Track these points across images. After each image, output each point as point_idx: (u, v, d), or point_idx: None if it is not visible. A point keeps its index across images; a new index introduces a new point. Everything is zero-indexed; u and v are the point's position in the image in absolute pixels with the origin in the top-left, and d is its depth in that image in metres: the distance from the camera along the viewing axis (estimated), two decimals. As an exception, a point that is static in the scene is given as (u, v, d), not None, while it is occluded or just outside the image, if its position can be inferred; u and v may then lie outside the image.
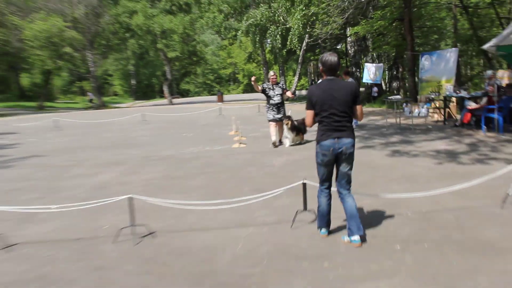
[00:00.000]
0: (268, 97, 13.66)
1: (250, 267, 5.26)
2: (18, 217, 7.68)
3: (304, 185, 6.63)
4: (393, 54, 34.39)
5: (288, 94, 13.77)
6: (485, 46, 14.78)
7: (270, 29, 30.01)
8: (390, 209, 7.14)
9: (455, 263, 5.17)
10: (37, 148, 16.52)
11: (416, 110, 20.94)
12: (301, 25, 26.03)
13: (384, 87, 36.18)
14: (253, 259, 5.50)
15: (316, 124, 5.79)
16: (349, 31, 32.27)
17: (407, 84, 26.84)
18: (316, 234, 6.21)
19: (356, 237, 5.75)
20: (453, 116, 18.50)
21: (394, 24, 27.57)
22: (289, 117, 13.75)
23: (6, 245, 6.33)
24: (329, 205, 6.03)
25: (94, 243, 6.40)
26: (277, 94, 13.56)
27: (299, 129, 14.08)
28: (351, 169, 5.81)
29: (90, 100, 50.74)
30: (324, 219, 6.07)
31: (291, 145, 13.88)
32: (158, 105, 45.60)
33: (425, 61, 23.45)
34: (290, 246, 5.82)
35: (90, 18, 43.51)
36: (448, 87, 18.87)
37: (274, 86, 13.57)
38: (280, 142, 14.19)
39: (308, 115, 5.77)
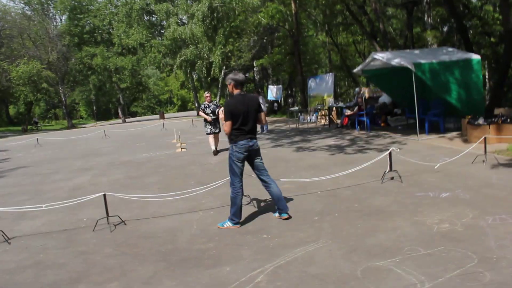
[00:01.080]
0: (206, 114, 12.20)
1: (205, 243, 4.85)
2: (13, 215, 6.86)
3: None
4: (286, 78, 34.65)
5: (220, 112, 12.36)
6: (355, 70, 15.10)
7: (198, 63, 29.53)
8: (305, 190, 6.94)
9: (360, 225, 5.01)
10: (23, 161, 15.23)
11: (308, 118, 21.11)
12: (220, 60, 25.84)
13: (281, 103, 36.52)
14: (206, 237, 5.09)
15: None
16: (255, 62, 32.27)
17: (299, 99, 27.04)
18: (255, 213, 5.88)
19: (285, 214, 5.47)
20: (334, 121, 18.74)
21: (288, 57, 27.83)
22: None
23: (5, 239, 5.59)
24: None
25: (77, 233, 5.75)
26: (212, 111, 12.19)
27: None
28: (262, 160, 5.60)
29: (36, 123, 48.13)
30: (277, 200, 5.52)
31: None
32: (115, 124, 43.84)
33: (311, 83, 23.84)
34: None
35: (61, 61, 42.95)
36: (330, 100, 19.18)
37: (209, 104, 12.26)
38: (217, 150, 12.43)
39: (228, 125, 5.22)
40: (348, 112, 16.17)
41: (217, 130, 12.18)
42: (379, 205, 5.79)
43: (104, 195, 5.74)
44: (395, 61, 11.82)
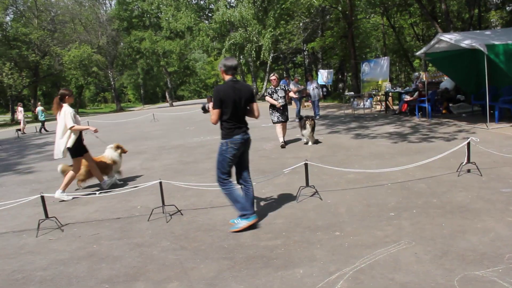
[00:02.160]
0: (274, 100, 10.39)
1: (271, 240, 4.45)
2: (66, 201, 6.76)
3: (306, 165, 5.82)
4: (336, 64, 33.60)
5: (291, 94, 11.15)
6: (417, 53, 14.15)
7: (247, 47, 29.10)
8: (373, 181, 6.39)
9: (444, 224, 4.45)
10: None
11: (362, 103, 20.27)
12: (270, 43, 25.31)
13: (329, 88, 35.56)
14: (272, 232, 4.68)
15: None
16: (305, 46, 31.44)
17: (351, 84, 26.13)
18: (320, 206, 5.42)
19: (254, 216, 4.86)
20: (391, 107, 17.85)
21: (340, 40, 26.88)
22: (312, 117, 10.56)
23: (58, 226, 5.42)
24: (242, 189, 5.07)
25: (131, 222, 5.50)
26: (280, 97, 10.32)
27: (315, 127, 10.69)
28: (248, 157, 5.08)
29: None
30: (249, 202, 4.94)
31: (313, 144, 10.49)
32: (162, 107, 44.32)
33: (365, 67, 22.86)
34: (301, 218, 5.02)
35: (111, 45, 43.98)
36: (387, 85, 18.26)
37: (276, 89, 10.38)
38: (285, 142, 10.69)
39: (215, 113, 4.71)
40: (407, 97, 15.27)
41: (285, 119, 10.54)
42: (461, 201, 5.18)
43: (160, 182, 5.44)
44: (465, 43, 10.89)
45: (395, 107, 17.62)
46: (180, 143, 12.80)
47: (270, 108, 10.46)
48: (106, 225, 5.45)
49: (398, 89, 17.45)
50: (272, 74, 10.68)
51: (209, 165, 8.86)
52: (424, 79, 17.33)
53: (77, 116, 7.10)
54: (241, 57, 35.33)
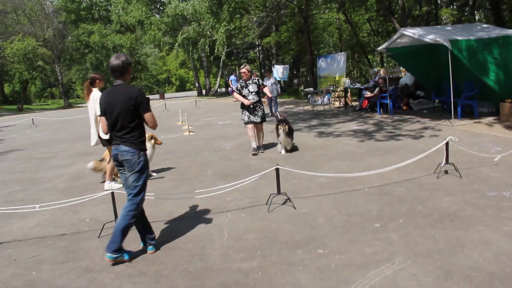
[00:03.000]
0: (243, 97, 8.63)
1: (245, 261, 3.81)
2: (2, 213, 5.84)
3: (277, 170, 5.22)
4: (290, 59, 33.28)
5: (266, 90, 9.05)
6: (379, 48, 13.94)
7: (200, 41, 28.23)
8: (347, 185, 5.89)
9: (437, 237, 3.99)
10: (18, 142, 14.20)
11: (320, 99, 19.99)
12: (224, 37, 24.66)
13: (282, 84, 35.34)
14: (245, 250, 4.04)
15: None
16: (260, 41, 30.94)
17: (308, 79, 25.90)
18: (294, 217, 4.84)
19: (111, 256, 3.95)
20: (349, 103, 17.64)
21: (295, 35, 26.56)
22: (284, 121, 8.53)
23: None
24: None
25: (78, 239, 4.69)
26: (252, 92, 8.54)
27: (292, 131, 8.79)
28: (135, 180, 4.01)
29: None
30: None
31: (287, 152, 8.61)
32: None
33: (321, 62, 22.71)
34: (275, 232, 4.41)
35: (57, 38, 41.83)
36: (346, 81, 18.04)
37: (247, 83, 8.62)
38: (259, 147, 8.99)
39: (103, 121, 4.13)
40: (368, 94, 15.04)
41: (258, 119, 8.65)
42: (448, 208, 4.76)
43: (113, 193, 4.68)
44: (429, 38, 10.67)
45: (355, 103, 17.44)
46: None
47: (241, 107, 8.84)
48: (48, 244, 4.63)
49: (358, 85, 17.25)
50: (242, 66, 8.81)
51: (167, 166, 8.13)
52: (382, 74, 17.26)
53: None
54: (194, 51, 34.44)
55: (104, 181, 7.11)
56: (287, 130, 8.38)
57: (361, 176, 6.03)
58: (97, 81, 6.72)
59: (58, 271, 3.92)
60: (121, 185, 6.54)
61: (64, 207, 5.78)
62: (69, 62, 46.72)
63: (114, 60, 3.97)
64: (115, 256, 3.89)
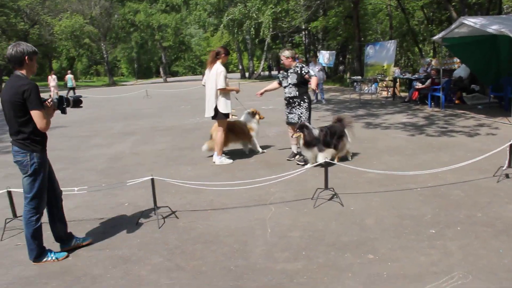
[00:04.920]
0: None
1: (290, 261, 3.58)
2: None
3: (327, 164, 4.94)
4: (336, 45, 32.41)
5: (313, 82, 6.76)
6: (434, 38, 13.22)
7: (246, 23, 27.91)
8: (399, 184, 5.54)
9: (502, 251, 3.62)
10: (62, 119, 14.47)
11: (366, 88, 19.36)
12: (270, 20, 24.26)
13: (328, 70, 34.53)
14: (289, 249, 3.80)
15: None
16: (307, 25, 30.24)
17: (355, 67, 25.19)
18: (342, 215, 4.57)
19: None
20: (397, 94, 16.97)
21: (344, 21, 25.80)
22: (301, 127, 6.34)
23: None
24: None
25: (116, 224, 4.62)
26: (289, 85, 6.81)
27: (325, 142, 6.42)
28: (29, 184, 3.64)
29: None
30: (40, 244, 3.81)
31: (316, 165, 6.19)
32: (156, 83, 43.12)
33: (369, 50, 21.90)
34: (322, 231, 4.15)
35: (104, 16, 42.75)
36: (396, 70, 17.34)
37: (288, 72, 6.89)
38: (299, 154, 7.06)
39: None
40: (419, 85, 14.37)
41: (293, 119, 6.88)
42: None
43: (152, 179, 4.54)
44: (493, 28, 9.97)
45: (403, 94, 16.77)
46: (174, 124, 11.90)
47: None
48: (86, 228, 4.57)
49: (408, 76, 16.54)
50: (281, 51, 7.16)
51: (207, 152, 7.98)
52: (434, 65, 16.48)
53: (227, 78, 6.91)
54: (239, 33, 34.16)
55: (212, 155, 7.34)
56: (303, 140, 6.30)
57: (413, 175, 5.67)
58: (223, 55, 6.83)
59: (94, 258, 3.83)
60: (231, 160, 7.20)
61: (103, 190, 5.74)
62: (114, 40, 47.61)
63: (10, 49, 3.53)
64: (40, 260, 3.76)
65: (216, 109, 6.87)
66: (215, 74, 6.72)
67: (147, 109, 16.53)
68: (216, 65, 6.80)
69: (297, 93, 6.81)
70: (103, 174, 6.81)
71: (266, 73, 51.76)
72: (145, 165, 7.26)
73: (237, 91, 7.42)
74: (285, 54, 6.91)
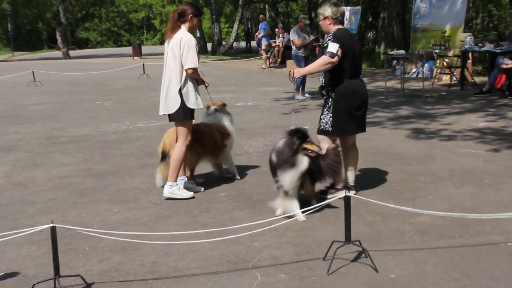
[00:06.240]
0: None
1: None
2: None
3: (348, 200, 5.09)
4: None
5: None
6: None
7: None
8: (472, 234, 5.75)
9: None
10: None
11: (414, 70, 19.84)
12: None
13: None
14: None
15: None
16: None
17: (395, 33, 25.80)
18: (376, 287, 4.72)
19: None
20: (469, 79, 17.44)
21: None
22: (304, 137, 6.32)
23: None
24: None
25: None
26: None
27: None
28: None
29: None
30: None
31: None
32: (49, 59, 43.36)
33: (421, 3, 22.46)
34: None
35: None
36: (467, 38, 17.74)
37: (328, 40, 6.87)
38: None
39: None
40: (508, 63, 14.72)
41: (321, 124, 7.20)
42: None
43: (53, 229, 4.55)
44: None
45: (479, 80, 17.25)
46: (85, 133, 12.07)
47: None
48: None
49: (489, 47, 16.90)
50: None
51: (144, 180, 8.10)
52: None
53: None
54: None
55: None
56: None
57: (498, 219, 5.89)
58: (190, 15, 7.14)
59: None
60: (192, 193, 7.36)
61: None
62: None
63: None
64: None
65: (182, 103, 7.01)
66: (179, 47, 6.98)
67: (35, 106, 16.72)
68: (180, 32, 7.07)
69: (327, 81, 6.99)
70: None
71: (242, 44, 52.19)
72: (36, 204, 7.34)
73: (206, 86, 7.65)
74: (323, 12, 6.92)
